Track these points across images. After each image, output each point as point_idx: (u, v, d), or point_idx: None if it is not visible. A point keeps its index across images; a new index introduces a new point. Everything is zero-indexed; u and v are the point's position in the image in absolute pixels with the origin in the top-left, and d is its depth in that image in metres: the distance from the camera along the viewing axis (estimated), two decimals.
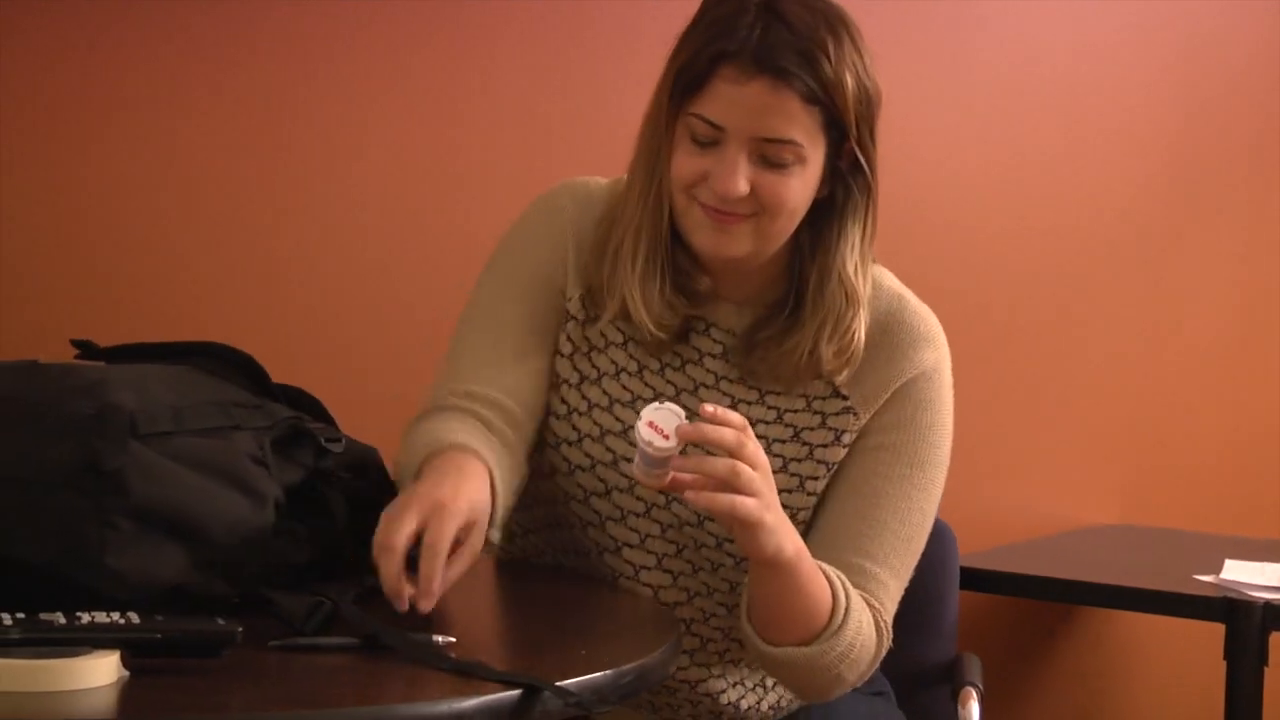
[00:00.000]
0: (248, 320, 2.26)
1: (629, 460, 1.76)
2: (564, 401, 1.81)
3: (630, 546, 1.81)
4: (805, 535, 1.74)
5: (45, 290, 2.17)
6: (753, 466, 1.60)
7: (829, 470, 1.80)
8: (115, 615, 1.40)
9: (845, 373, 1.79)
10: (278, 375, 1.74)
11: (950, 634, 2.24)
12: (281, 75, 2.27)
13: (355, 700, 1.40)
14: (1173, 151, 2.98)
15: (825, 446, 1.80)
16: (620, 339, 1.81)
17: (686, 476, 1.60)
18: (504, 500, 1.70)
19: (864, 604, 1.75)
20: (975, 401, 2.71)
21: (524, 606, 1.82)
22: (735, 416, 1.61)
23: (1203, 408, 3.04)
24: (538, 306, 1.81)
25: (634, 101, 1.80)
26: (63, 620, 1.37)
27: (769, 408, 1.80)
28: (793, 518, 1.70)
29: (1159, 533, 2.91)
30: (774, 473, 1.67)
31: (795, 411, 1.80)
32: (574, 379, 1.81)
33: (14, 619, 1.36)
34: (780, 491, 1.68)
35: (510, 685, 1.37)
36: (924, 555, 1.85)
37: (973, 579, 2.41)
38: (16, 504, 1.52)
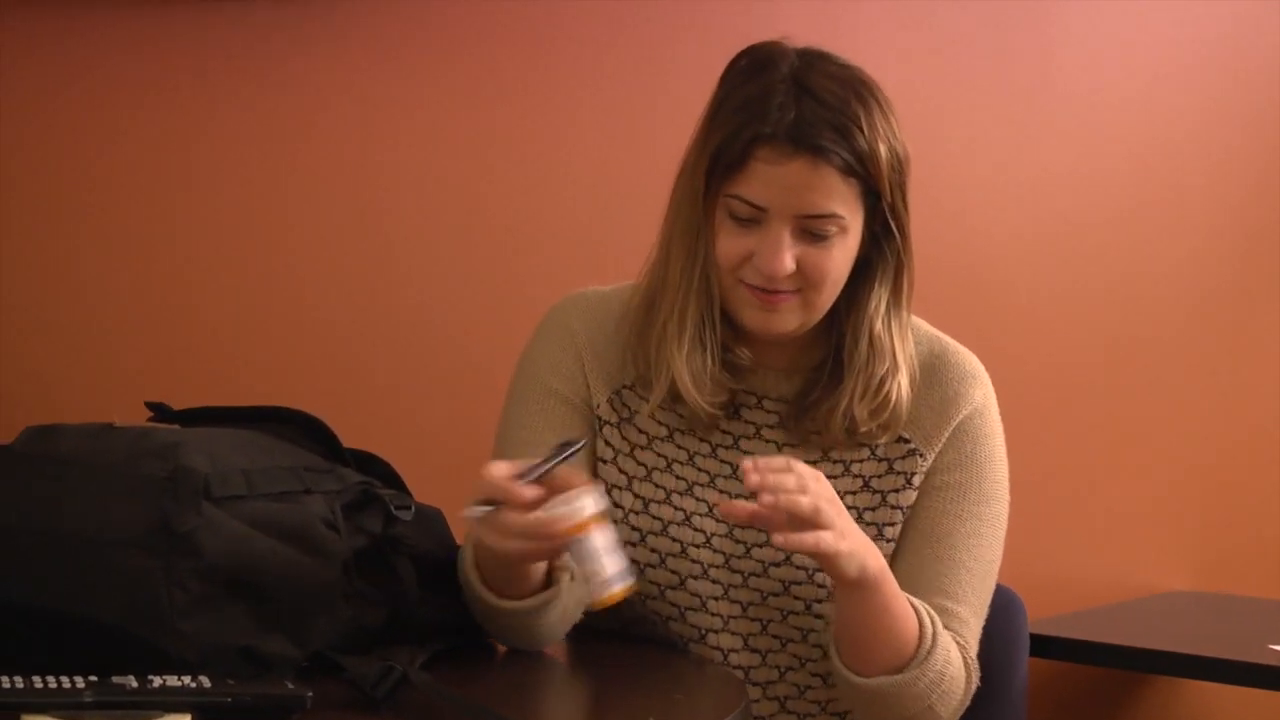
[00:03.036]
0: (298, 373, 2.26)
1: (697, 547, 1.79)
2: (618, 505, 1.81)
3: (714, 632, 1.81)
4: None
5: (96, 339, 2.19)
6: (818, 499, 1.62)
7: (904, 514, 1.81)
8: (186, 679, 1.40)
9: (884, 437, 1.80)
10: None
11: (1019, 702, 2.22)
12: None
13: None
14: (1245, 210, 2.96)
15: (897, 491, 1.81)
16: (664, 432, 1.82)
17: (765, 512, 1.61)
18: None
19: (950, 638, 1.76)
20: (1045, 465, 2.69)
21: (591, 671, 1.82)
22: (776, 460, 1.63)
23: (1277, 472, 3.01)
24: (565, 422, 1.82)
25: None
26: (134, 684, 1.38)
27: (834, 462, 1.81)
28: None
29: (1233, 600, 2.88)
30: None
31: (861, 462, 1.81)
32: (623, 481, 1.82)
33: (86, 682, 1.37)
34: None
35: None
36: (992, 622, 1.84)
37: (1042, 646, 2.38)
38: (89, 564, 1.54)
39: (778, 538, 1.61)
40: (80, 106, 2.11)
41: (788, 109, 1.70)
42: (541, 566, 1.67)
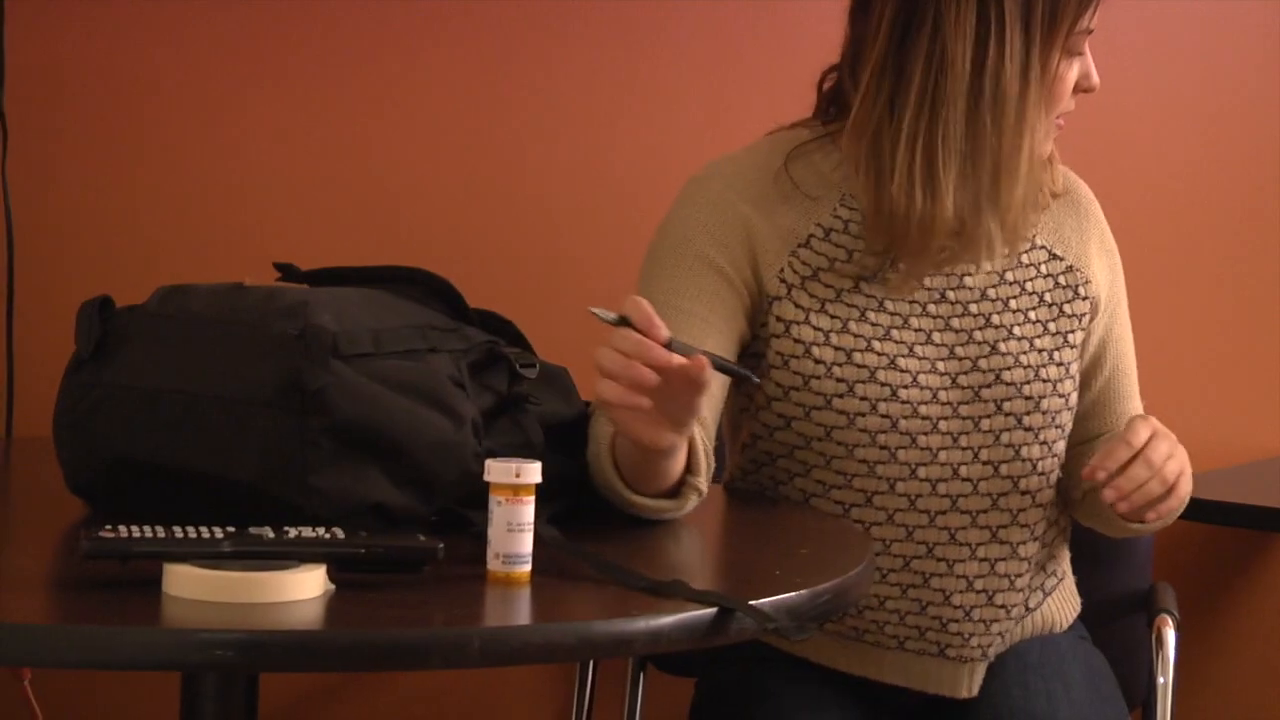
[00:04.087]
0: None
1: (905, 388, 1.83)
2: (819, 361, 1.82)
3: (924, 465, 1.84)
4: (1086, 393, 1.94)
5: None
6: (1166, 459, 1.76)
7: (1079, 322, 1.92)
8: (321, 530, 1.43)
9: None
10: None
11: (1144, 563, 2.21)
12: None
13: (554, 617, 1.42)
14: None
15: (1069, 302, 1.91)
16: (849, 284, 1.84)
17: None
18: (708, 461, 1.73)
19: None
20: (1171, 327, 2.66)
21: (717, 529, 1.83)
22: (1118, 452, 1.74)
23: None
24: (719, 298, 1.82)
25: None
26: (271, 535, 1.40)
27: (1011, 284, 1.89)
28: (1066, 371, 1.88)
29: None
30: (1037, 338, 1.87)
31: (1031, 279, 1.90)
32: (820, 338, 1.83)
33: (225, 532, 1.40)
34: (1051, 351, 1.88)
35: (705, 604, 1.39)
36: None
37: None
38: (223, 423, 1.56)
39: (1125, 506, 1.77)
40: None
41: None
42: (679, 462, 1.68)
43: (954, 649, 1.87)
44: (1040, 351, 1.88)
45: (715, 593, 1.40)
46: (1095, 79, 1.84)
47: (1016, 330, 1.87)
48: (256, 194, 2.33)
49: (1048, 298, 1.90)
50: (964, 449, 1.85)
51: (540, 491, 1.49)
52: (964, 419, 1.85)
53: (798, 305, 1.83)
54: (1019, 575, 1.88)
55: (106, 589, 1.35)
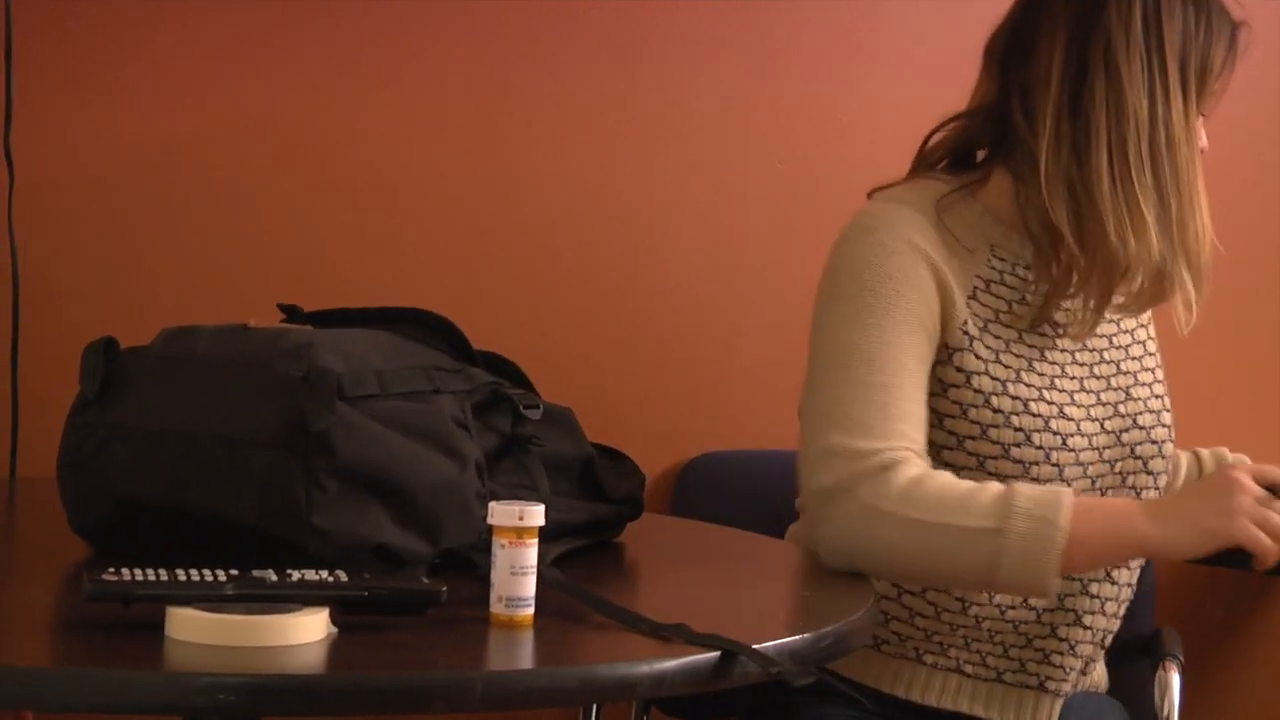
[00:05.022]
0: None
1: (1071, 435, 1.86)
2: (997, 411, 1.84)
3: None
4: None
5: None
6: None
7: (1161, 368, 2.01)
8: (324, 573, 1.43)
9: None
10: None
11: (1148, 608, 2.21)
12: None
13: (557, 660, 1.42)
14: None
15: (1157, 349, 2.01)
16: (1014, 335, 1.87)
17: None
18: None
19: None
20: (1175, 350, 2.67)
21: (721, 570, 1.83)
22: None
23: None
24: (924, 351, 1.83)
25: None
26: (274, 578, 1.40)
27: (1126, 331, 1.97)
28: (1170, 416, 1.97)
29: None
30: (1155, 383, 1.96)
31: (1136, 327, 1.99)
32: (998, 388, 1.86)
33: (228, 575, 1.39)
34: (1164, 397, 1.97)
35: (709, 648, 1.38)
36: None
37: None
38: (226, 463, 1.56)
39: None
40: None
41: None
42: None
43: (1054, 682, 1.91)
44: (1159, 398, 1.97)
45: (719, 636, 1.40)
46: (1205, 141, 1.89)
47: (1142, 376, 1.96)
48: (265, 226, 2.33)
49: (1149, 346, 1.99)
50: (1098, 490, 1.90)
51: (544, 533, 1.49)
52: (1105, 463, 1.91)
53: (978, 356, 1.86)
54: (1118, 613, 1.95)
55: (109, 631, 1.35)
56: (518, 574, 1.45)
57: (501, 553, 1.46)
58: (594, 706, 2.26)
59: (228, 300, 2.26)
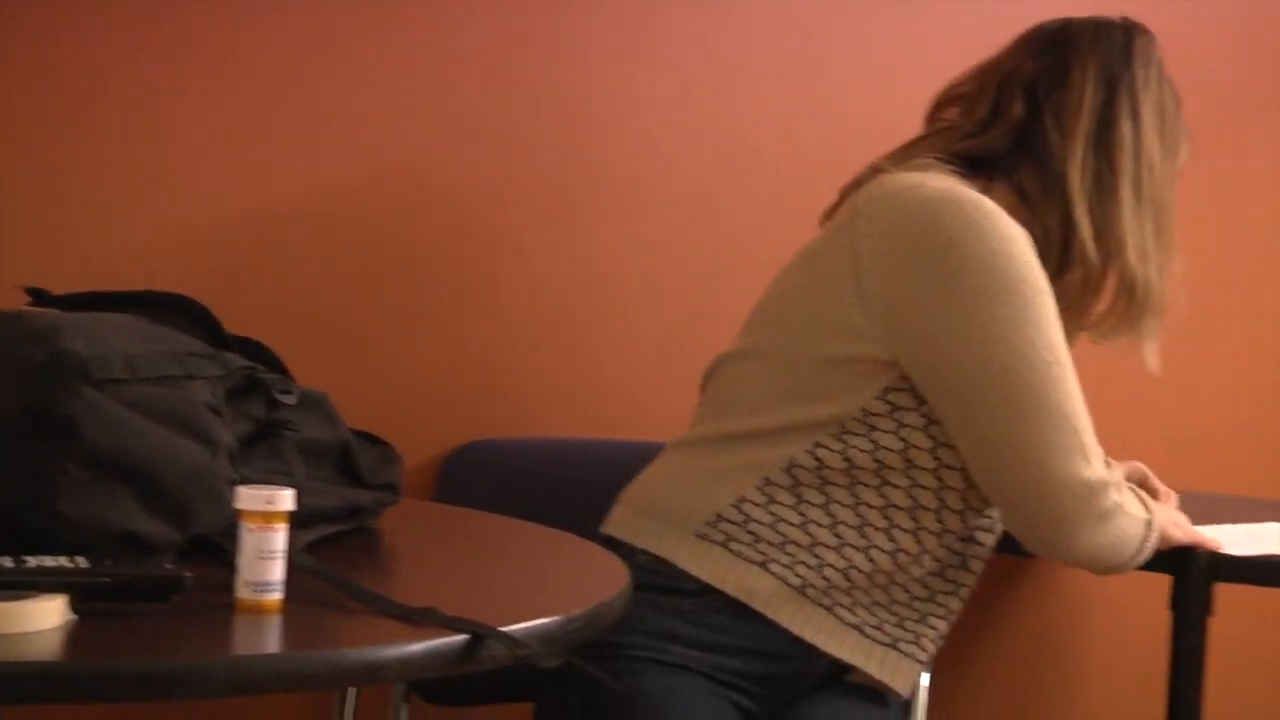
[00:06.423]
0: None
1: None
2: None
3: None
4: None
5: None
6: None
7: None
8: (64, 560, 1.40)
9: None
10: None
11: None
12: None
13: (303, 644, 1.41)
14: None
15: None
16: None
17: None
18: None
19: None
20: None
21: (480, 556, 1.83)
22: None
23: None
24: None
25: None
26: (9, 564, 1.37)
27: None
28: None
29: None
30: None
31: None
32: None
33: None
34: None
35: (457, 631, 1.38)
36: None
37: None
38: None
39: None
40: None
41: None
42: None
43: (905, 644, 1.94)
44: None
45: (467, 619, 1.40)
46: None
47: None
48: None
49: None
50: None
51: (298, 519, 1.47)
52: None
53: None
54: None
55: None
56: (265, 558, 1.44)
57: (249, 537, 1.44)
58: (350, 695, 2.25)
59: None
